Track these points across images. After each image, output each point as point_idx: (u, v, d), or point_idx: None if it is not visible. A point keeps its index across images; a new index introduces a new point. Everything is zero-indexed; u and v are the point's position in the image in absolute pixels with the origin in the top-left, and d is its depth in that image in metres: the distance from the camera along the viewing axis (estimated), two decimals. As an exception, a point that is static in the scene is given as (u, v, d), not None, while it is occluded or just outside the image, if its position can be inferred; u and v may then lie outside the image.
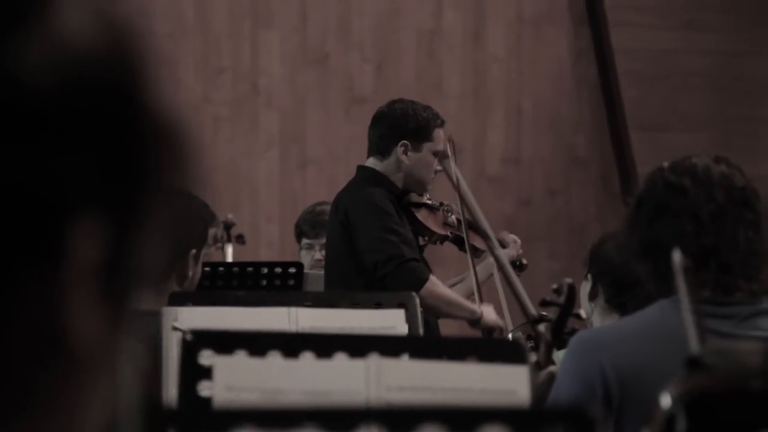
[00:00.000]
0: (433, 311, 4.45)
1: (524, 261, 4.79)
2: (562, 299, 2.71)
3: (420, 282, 4.36)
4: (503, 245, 4.72)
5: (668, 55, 7.45)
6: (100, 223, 0.67)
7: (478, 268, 4.78)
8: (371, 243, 4.40)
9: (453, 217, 4.74)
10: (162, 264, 0.71)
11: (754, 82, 7.52)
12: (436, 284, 4.47)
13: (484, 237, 4.52)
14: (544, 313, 2.96)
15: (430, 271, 4.66)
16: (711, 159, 2.51)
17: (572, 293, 2.72)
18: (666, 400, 1.47)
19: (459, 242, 4.73)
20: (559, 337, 2.70)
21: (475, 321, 4.48)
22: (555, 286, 2.74)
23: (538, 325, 2.73)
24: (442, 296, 4.47)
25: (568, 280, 2.79)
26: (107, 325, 0.68)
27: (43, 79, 0.65)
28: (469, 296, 4.65)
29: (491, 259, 4.70)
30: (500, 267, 4.23)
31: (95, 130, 0.67)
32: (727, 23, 7.50)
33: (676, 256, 1.98)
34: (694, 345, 1.82)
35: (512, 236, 4.83)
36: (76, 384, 0.68)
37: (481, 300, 4.61)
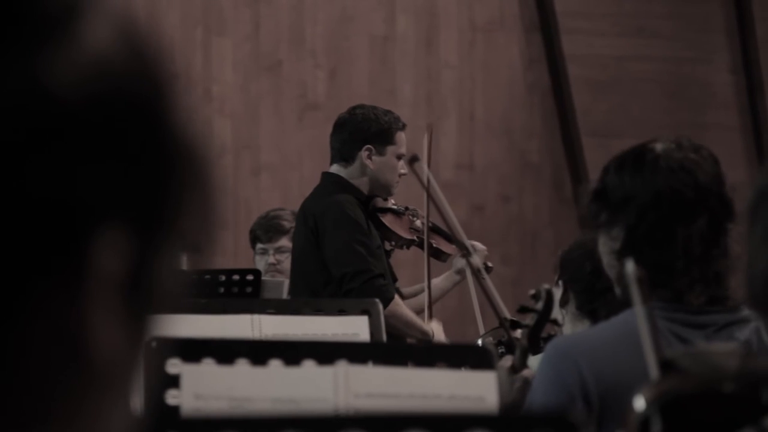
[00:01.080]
0: (390, 329, 4.49)
1: (490, 264, 4.82)
2: (539, 305, 2.72)
3: (385, 302, 4.39)
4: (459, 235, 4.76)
5: (618, 62, 7.51)
6: (125, 236, 0.67)
7: (441, 277, 4.82)
8: (339, 254, 4.41)
9: (418, 221, 4.77)
10: (177, 278, 0.71)
11: (703, 88, 7.60)
12: (398, 305, 4.51)
13: (454, 240, 4.56)
14: (514, 318, 2.97)
15: (395, 280, 4.69)
16: (698, 157, 2.47)
17: (550, 299, 2.72)
18: (640, 403, 1.49)
19: (420, 246, 4.75)
20: (536, 342, 2.71)
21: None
22: (533, 291, 2.74)
23: (512, 329, 2.74)
24: (402, 317, 4.51)
25: (546, 286, 2.80)
26: (127, 339, 0.69)
27: (72, 91, 0.65)
28: (420, 312, 4.69)
29: (455, 268, 4.74)
30: (473, 271, 4.26)
31: (121, 142, 0.67)
32: (676, 30, 7.57)
33: (629, 267, 1.97)
34: (650, 355, 1.82)
35: (479, 245, 4.86)
36: (96, 397, 0.68)
37: (431, 316, 4.66)
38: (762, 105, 7.56)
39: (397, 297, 4.53)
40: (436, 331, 4.60)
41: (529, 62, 7.50)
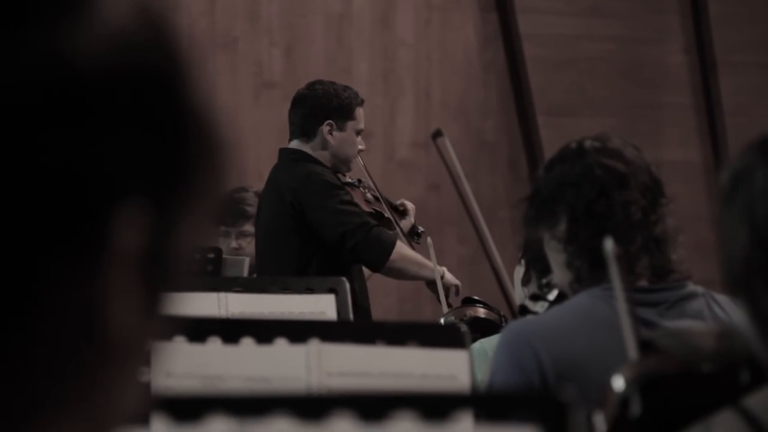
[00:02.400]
0: (402, 273, 4.52)
1: (421, 229, 4.87)
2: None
3: (391, 245, 4.45)
4: (405, 213, 4.82)
5: (574, 41, 7.54)
6: (144, 211, 0.67)
7: None
8: (333, 217, 4.45)
9: (369, 194, 4.82)
10: (195, 253, 0.71)
11: (657, 68, 7.65)
12: (402, 246, 4.55)
13: (391, 209, 4.64)
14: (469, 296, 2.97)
15: None
16: (621, 142, 2.56)
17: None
18: (619, 383, 1.50)
19: (378, 218, 4.78)
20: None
21: (433, 279, 4.50)
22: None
23: (469, 305, 2.75)
24: (410, 257, 4.55)
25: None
26: (144, 315, 0.68)
27: (92, 63, 0.65)
28: None
29: None
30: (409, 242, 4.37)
31: (142, 116, 0.67)
32: (631, 10, 7.61)
33: (608, 245, 2.00)
34: (628, 335, 1.85)
35: (409, 203, 4.92)
36: (110, 372, 0.68)
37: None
38: (715, 84, 7.62)
39: (399, 240, 4.58)
40: (446, 271, 4.58)
41: (485, 41, 7.52)
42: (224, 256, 4.56)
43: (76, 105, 0.64)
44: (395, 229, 4.78)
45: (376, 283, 5.16)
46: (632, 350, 1.65)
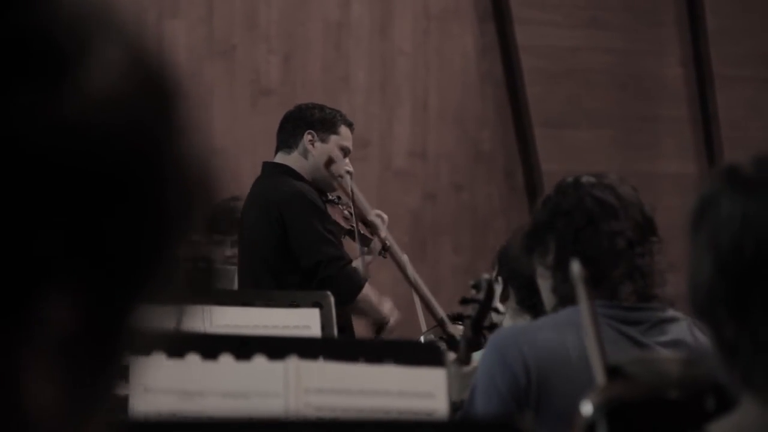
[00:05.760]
0: (359, 313, 4.59)
1: (388, 243, 4.88)
2: (481, 295, 2.75)
3: (359, 287, 4.52)
4: (377, 229, 4.83)
5: (571, 53, 7.55)
6: (83, 293, 0.63)
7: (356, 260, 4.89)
8: (312, 243, 4.49)
9: (346, 211, 4.83)
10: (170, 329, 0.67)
11: (655, 81, 7.65)
12: (368, 289, 4.61)
13: (372, 227, 4.67)
14: (458, 312, 2.97)
15: None
16: (618, 178, 2.63)
17: (491, 288, 2.76)
18: (587, 408, 1.51)
19: (352, 235, 4.80)
20: (478, 332, 2.74)
21: (384, 324, 4.61)
22: (473, 282, 2.78)
23: (454, 322, 2.77)
24: (369, 301, 4.61)
25: (486, 276, 2.84)
26: (72, 398, 0.64)
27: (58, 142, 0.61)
28: None
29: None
30: (395, 258, 4.42)
31: (115, 195, 0.63)
32: (629, 22, 7.62)
33: (575, 267, 2.02)
34: (594, 357, 1.86)
35: (383, 215, 4.92)
36: None
37: None
38: (712, 97, 7.63)
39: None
40: (392, 312, 4.71)
41: (483, 51, 7.53)
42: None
43: (23, 189, 0.60)
44: (368, 245, 4.82)
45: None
46: (600, 376, 1.65)
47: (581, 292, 1.92)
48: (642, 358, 1.59)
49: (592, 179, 2.60)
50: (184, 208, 0.66)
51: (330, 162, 4.60)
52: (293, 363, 2.15)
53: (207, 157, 0.67)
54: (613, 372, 1.53)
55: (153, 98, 0.66)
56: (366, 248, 4.81)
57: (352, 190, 4.61)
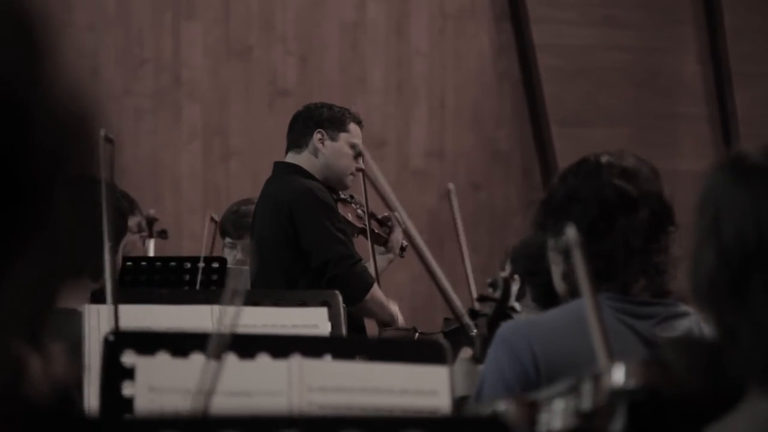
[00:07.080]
0: (367, 313, 4.58)
1: (404, 244, 4.87)
2: (498, 293, 2.75)
3: (368, 286, 4.51)
4: (393, 229, 4.83)
5: (587, 51, 7.54)
6: None
7: (377, 258, 4.88)
8: (321, 241, 4.48)
9: (359, 210, 4.83)
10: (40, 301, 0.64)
11: (671, 78, 7.63)
12: (377, 289, 4.59)
13: (379, 225, 4.67)
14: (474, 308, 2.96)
15: None
16: (636, 161, 2.58)
17: (507, 287, 2.75)
18: (618, 375, 1.51)
19: (365, 234, 4.80)
20: (495, 330, 2.74)
21: (391, 324, 4.62)
22: (489, 280, 2.77)
23: (473, 318, 2.76)
24: (379, 301, 4.60)
25: (503, 274, 2.83)
26: None
27: None
28: None
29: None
30: (419, 254, 4.34)
31: None
32: (644, 20, 7.60)
33: (571, 233, 1.99)
34: (594, 329, 1.85)
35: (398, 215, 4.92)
36: None
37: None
38: (730, 95, 7.60)
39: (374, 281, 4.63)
40: (398, 313, 4.72)
41: (499, 51, 7.52)
42: (228, 266, 4.58)
43: None
44: (383, 244, 4.81)
45: (388, 291, 5.16)
46: (600, 349, 1.65)
47: (577, 258, 1.90)
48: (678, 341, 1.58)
49: (613, 161, 2.54)
50: (59, 147, 0.63)
51: (358, 154, 4.59)
52: (296, 361, 2.15)
53: (79, 92, 0.64)
54: (653, 352, 1.50)
55: (16, 42, 0.63)
56: (383, 248, 4.81)
57: (365, 188, 4.60)
